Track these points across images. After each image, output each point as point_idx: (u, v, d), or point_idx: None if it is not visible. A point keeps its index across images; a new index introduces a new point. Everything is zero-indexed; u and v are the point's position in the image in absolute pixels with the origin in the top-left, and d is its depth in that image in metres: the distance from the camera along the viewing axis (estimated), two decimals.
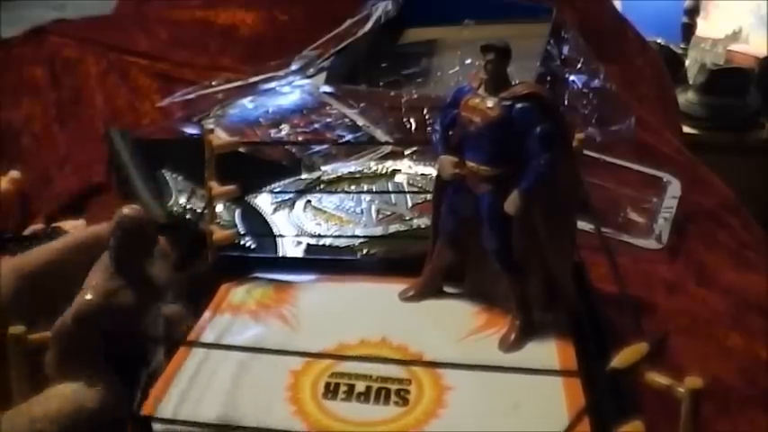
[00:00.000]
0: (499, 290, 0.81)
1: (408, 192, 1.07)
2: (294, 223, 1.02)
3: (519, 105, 0.74)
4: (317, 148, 1.18)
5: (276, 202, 1.05)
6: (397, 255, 0.95)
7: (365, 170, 1.12)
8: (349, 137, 1.23)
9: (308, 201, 1.06)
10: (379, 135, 1.24)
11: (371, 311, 0.83)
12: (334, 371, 0.73)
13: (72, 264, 0.65)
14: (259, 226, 1.02)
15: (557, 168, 0.75)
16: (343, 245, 0.98)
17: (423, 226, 0.99)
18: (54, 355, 0.55)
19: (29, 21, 1.54)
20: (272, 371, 0.73)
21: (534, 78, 1.29)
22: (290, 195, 1.06)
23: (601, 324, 0.78)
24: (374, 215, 1.03)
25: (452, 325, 0.81)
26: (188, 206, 1.03)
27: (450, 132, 0.80)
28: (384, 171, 1.11)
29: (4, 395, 0.58)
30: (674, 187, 1.13)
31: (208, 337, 0.79)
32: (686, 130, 1.86)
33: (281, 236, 0.99)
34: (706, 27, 2.27)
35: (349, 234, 0.99)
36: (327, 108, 1.31)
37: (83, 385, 0.55)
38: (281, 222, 1.02)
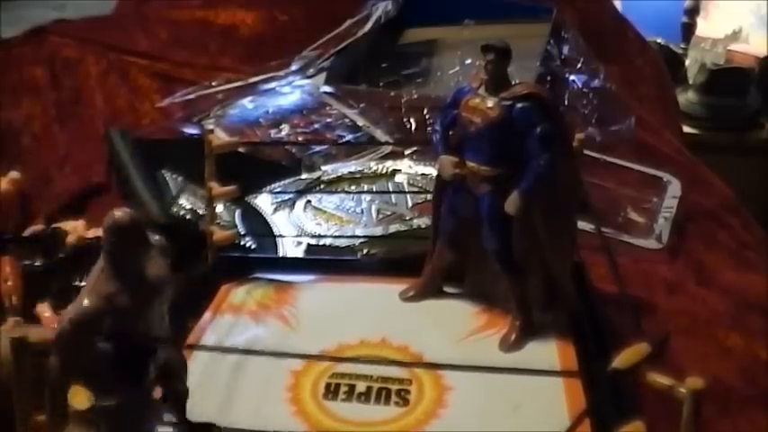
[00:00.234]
0: (499, 290, 0.81)
1: (408, 192, 1.07)
2: (294, 223, 1.02)
3: (519, 105, 0.74)
4: (317, 148, 1.18)
5: (276, 203, 1.05)
6: (397, 255, 0.95)
7: (365, 170, 1.12)
8: (349, 137, 1.23)
9: (309, 201, 1.06)
10: (380, 135, 1.24)
11: (372, 312, 0.83)
12: (334, 371, 0.73)
13: None
14: (259, 226, 1.02)
15: (557, 168, 0.75)
16: (343, 245, 0.98)
17: (423, 226, 0.99)
18: (56, 361, 0.55)
19: (29, 21, 1.54)
20: (272, 371, 0.73)
21: (534, 78, 1.29)
22: (291, 195, 1.06)
23: (601, 324, 0.78)
24: (374, 215, 1.03)
25: (453, 325, 0.81)
26: (188, 206, 1.03)
27: (451, 132, 0.80)
28: (384, 171, 1.11)
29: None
30: (675, 187, 1.13)
31: (208, 337, 0.79)
32: (686, 130, 1.85)
33: (281, 236, 0.99)
34: (706, 27, 2.27)
35: (349, 234, 0.99)
36: (327, 108, 1.31)
37: None
38: (281, 223, 1.02)
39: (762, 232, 1.13)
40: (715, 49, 2.23)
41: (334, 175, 1.11)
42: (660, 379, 0.53)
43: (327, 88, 1.36)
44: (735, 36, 2.23)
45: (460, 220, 0.81)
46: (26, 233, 0.93)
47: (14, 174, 1.04)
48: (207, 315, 0.82)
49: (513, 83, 0.76)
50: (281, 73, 1.41)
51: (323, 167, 1.13)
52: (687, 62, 2.23)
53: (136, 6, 1.66)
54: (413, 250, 0.93)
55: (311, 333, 0.80)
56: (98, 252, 0.87)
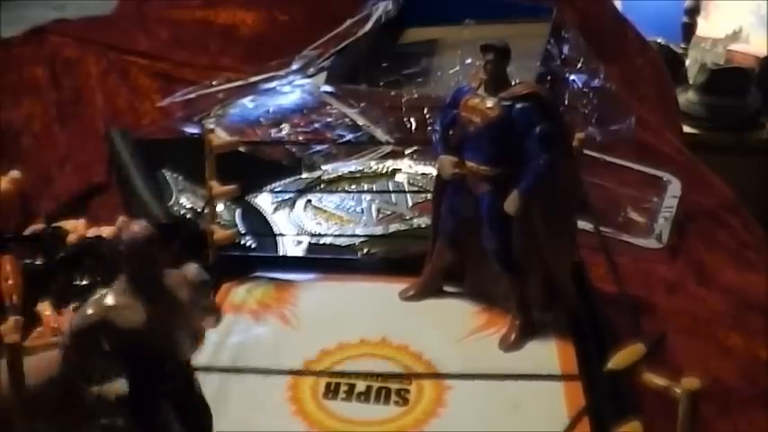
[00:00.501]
0: (499, 290, 0.81)
1: (408, 191, 1.07)
2: (295, 223, 1.02)
3: (518, 105, 0.74)
4: (318, 147, 1.18)
5: (277, 202, 1.05)
6: (397, 254, 0.95)
7: (365, 170, 1.12)
8: (349, 136, 1.23)
9: (309, 200, 1.06)
10: (380, 135, 1.24)
11: (372, 311, 0.83)
12: (334, 370, 0.73)
13: None
14: (260, 225, 1.02)
15: (556, 168, 0.75)
16: (343, 244, 0.98)
17: (423, 225, 0.99)
18: (60, 369, 0.55)
19: (29, 21, 1.54)
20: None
21: (534, 78, 1.29)
22: (291, 195, 1.06)
23: (600, 324, 0.78)
24: (374, 214, 1.03)
25: (452, 324, 0.81)
26: (188, 205, 1.03)
27: (450, 132, 0.80)
28: (384, 170, 1.11)
29: None
30: (675, 187, 1.13)
31: (209, 337, 0.79)
32: (686, 129, 1.85)
33: (281, 235, 0.99)
34: (706, 27, 2.27)
35: (349, 233, 0.99)
36: (328, 108, 1.31)
37: None
38: (281, 222, 1.02)
39: (762, 232, 1.13)
40: (715, 49, 2.23)
41: (335, 175, 1.11)
42: (656, 379, 0.53)
43: (328, 88, 1.36)
44: (735, 36, 2.23)
45: (460, 220, 0.81)
46: (27, 232, 0.93)
47: (15, 173, 1.04)
48: None
49: (512, 83, 0.76)
50: (282, 72, 1.41)
51: (323, 167, 1.13)
52: (687, 62, 2.23)
53: (136, 6, 1.66)
54: (413, 250, 0.93)
55: (311, 332, 0.80)
56: (98, 251, 0.87)
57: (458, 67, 1.41)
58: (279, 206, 1.05)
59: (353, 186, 1.09)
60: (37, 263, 0.87)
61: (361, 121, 1.27)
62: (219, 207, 0.98)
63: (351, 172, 1.11)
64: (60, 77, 1.39)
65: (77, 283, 0.85)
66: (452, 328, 0.80)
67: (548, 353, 0.76)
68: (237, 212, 1.03)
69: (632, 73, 1.52)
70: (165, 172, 1.10)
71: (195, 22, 1.57)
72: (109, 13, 1.67)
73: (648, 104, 1.46)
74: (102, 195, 1.14)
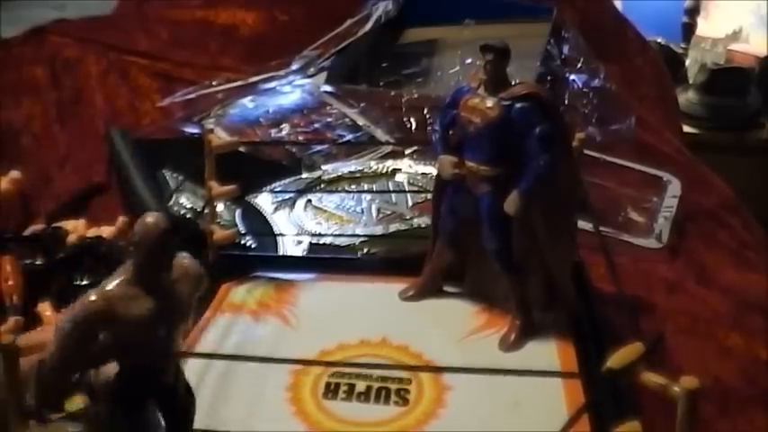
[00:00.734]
0: (499, 290, 0.81)
1: (408, 191, 1.07)
2: (295, 222, 1.02)
3: (518, 105, 0.74)
4: (318, 147, 1.18)
5: (277, 202, 1.05)
6: (397, 254, 0.95)
7: (365, 169, 1.12)
8: (349, 136, 1.23)
9: (309, 200, 1.06)
10: (380, 135, 1.24)
11: (372, 311, 0.83)
12: (334, 371, 0.73)
13: None
14: (260, 225, 1.02)
15: (556, 168, 0.75)
16: (343, 244, 0.98)
17: (423, 225, 0.99)
18: (52, 353, 0.55)
19: (29, 21, 1.54)
20: (272, 371, 0.73)
21: (534, 78, 1.29)
22: (291, 195, 1.06)
23: (600, 324, 0.78)
24: (374, 214, 1.03)
25: (452, 325, 0.81)
26: (188, 205, 1.03)
27: (450, 132, 0.80)
28: (384, 170, 1.11)
29: None
30: (675, 187, 1.13)
31: (209, 337, 0.79)
32: (686, 129, 1.85)
33: (281, 235, 0.99)
34: (706, 27, 2.27)
35: (349, 233, 0.99)
36: (328, 108, 1.31)
37: None
38: (281, 222, 1.02)
39: (762, 232, 1.13)
40: (715, 49, 2.23)
41: (335, 175, 1.11)
42: (655, 378, 0.53)
43: (328, 88, 1.36)
44: (735, 36, 2.23)
45: (460, 220, 0.81)
46: (27, 232, 0.93)
47: (15, 173, 1.04)
48: (207, 314, 0.82)
49: (512, 83, 0.76)
50: (282, 72, 1.41)
51: (323, 167, 1.13)
52: (687, 62, 2.23)
53: (136, 6, 1.66)
54: (413, 250, 0.94)
55: (311, 332, 0.80)
56: (98, 251, 0.87)
57: (458, 67, 1.41)
58: (279, 206, 1.05)
59: (353, 186, 1.09)
60: (37, 263, 0.87)
61: (361, 121, 1.27)
62: (219, 207, 0.98)
63: (351, 172, 1.11)
64: (60, 77, 1.39)
65: (77, 283, 0.85)
66: (452, 329, 0.80)
67: (548, 353, 0.76)
68: (237, 212, 1.03)
69: (632, 73, 1.52)
70: (164, 172, 1.10)
71: (195, 22, 1.57)
72: (109, 13, 1.67)
73: (648, 104, 1.46)
74: (102, 195, 1.14)
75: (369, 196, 1.06)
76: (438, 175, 0.81)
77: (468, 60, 1.40)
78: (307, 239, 0.99)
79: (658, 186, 1.13)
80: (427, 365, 0.75)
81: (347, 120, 1.28)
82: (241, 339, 0.79)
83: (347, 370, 0.73)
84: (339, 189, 1.08)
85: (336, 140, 1.22)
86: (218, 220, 0.96)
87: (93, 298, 0.54)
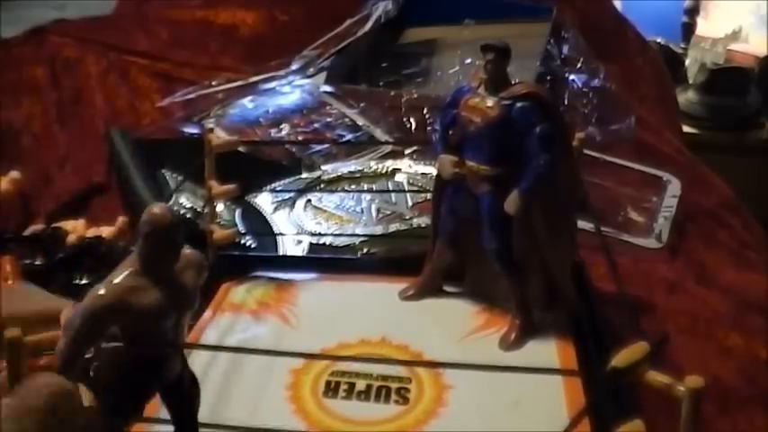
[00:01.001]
0: (499, 289, 0.81)
1: (408, 191, 1.07)
2: (294, 222, 1.02)
3: (518, 105, 0.74)
4: (318, 147, 1.18)
5: (276, 202, 1.05)
6: (397, 254, 0.95)
7: (365, 169, 1.12)
8: (349, 136, 1.23)
9: (309, 200, 1.06)
10: (379, 134, 1.24)
11: (371, 310, 0.83)
12: (334, 369, 0.73)
13: None
14: (259, 225, 1.02)
15: (556, 168, 0.75)
16: (343, 244, 0.98)
17: (423, 225, 0.99)
18: (62, 350, 0.55)
19: (29, 21, 1.54)
20: (271, 369, 0.73)
21: (534, 78, 1.29)
22: (291, 195, 1.06)
23: (600, 324, 0.78)
24: (374, 214, 1.03)
25: (452, 324, 0.81)
26: (188, 205, 1.03)
27: (450, 132, 0.80)
28: (384, 170, 1.11)
29: None
30: (674, 186, 1.13)
31: (208, 336, 0.79)
32: (686, 129, 1.85)
33: (281, 234, 0.99)
34: (706, 27, 2.27)
35: (349, 233, 0.99)
36: (327, 108, 1.31)
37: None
38: (281, 222, 1.02)
39: (762, 232, 1.13)
40: (715, 49, 2.23)
41: (335, 175, 1.11)
42: (659, 378, 0.53)
43: (327, 88, 1.36)
44: (735, 36, 2.23)
45: (460, 220, 0.81)
46: (27, 233, 0.93)
47: (15, 174, 1.04)
48: (207, 313, 0.82)
49: (512, 82, 0.76)
50: (282, 72, 1.41)
51: (323, 167, 1.13)
52: (687, 62, 2.23)
53: (136, 6, 1.66)
54: (413, 249, 0.94)
55: (311, 332, 0.80)
56: (98, 251, 0.87)
57: (457, 67, 1.41)
58: (279, 206, 1.05)
59: (353, 186, 1.09)
60: (37, 263, 0.87)
61: (360, 121, 1.27)
62: (219, 207, 0.98)
63: (351, 172, 1.11)
64: (60, 77, 1.39)
65: (77, 282, 0.85)
66: (452, 328, 0.80)
67: (548, 352, 0.76)
68: (237, 212, 1.03)
69: (632, 73, 1.52)
70: (164, 172, 1.10)
71: (195, 22, 1.57)
72: (109, 13, 1.67)
73: (648, 104, 1.46)
74: (102, 195, 1.14)
75: (368, 196, 1.06)
76: (438, 175, 0.81)
77: (468, 60, 1.40)
78: (307, 239, 0.99)
79: (658, 186, 1.13)
80: (429, 361, 0.75)
81: (347, 120, 1.28)
82: (241, 338, 0.79)
83: (347, 369, 0.73)
84: (339, 189, 1.08)
85: (336, 140, 1.22)
86: (218, 220, 0.96)
87: (102, 291, 0.54)
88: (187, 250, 0.59)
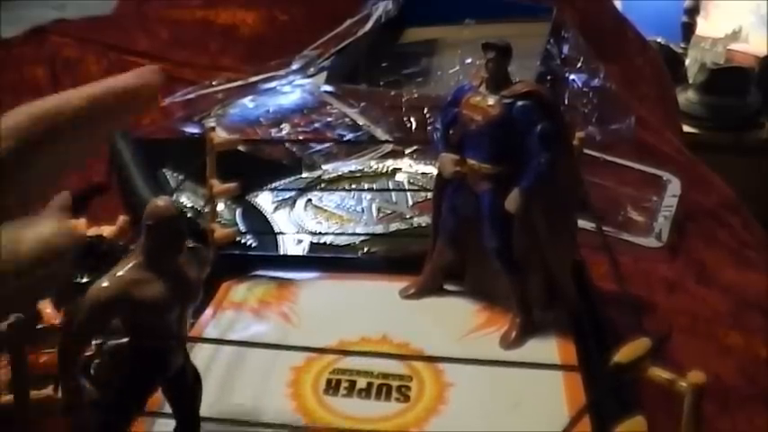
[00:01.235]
0: (500, 288, 0.81)
1: (409, 190, 1.07)
2: (295, 222, 1.02)
3: (519, 103, 0.75)
4: (318, 147, 1.18)
5: (277, 201, 1.05)
6: (397, 253, 0.95)
7: (366, 169, 1.12)
8: (349, 136, 1.23)
9: (309, 199, 1.06)
10: (380, 134, 1.24)
11: (372, 309, 0.83)
12: (335, 367, 0.73)
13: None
14: (260, 224, 1.02)
15: (557, 167, 0.75)
16: (343, 243, 0.98)
17: (423, 224, 0.99)
18: (66, 340, 0.54)
19: (29, 21, 1.54)
20: (272, 367, 0.74)
21: (534, 77, 1.29)
22: (291, 194, 1.06)
23: (601, 323, 0.78)
24: (375, 214, 1.03)
25: (453, 323, 0.81)
26: (189, 204, 1.03)
27: (451, 131, 0.80)
28: (385, 170, 1.12)
29: None
30: (675, 186, 1.13)
31: (210, 333, 0.80)
32: (686, 129, 1.86)
33: (281, 234, 0.99)
34: (706, 26, 2.27)
35: (350, 232, 1.00)
36: (328, 107, 1.31)
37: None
38: (281, 221, 1.02)
39: (762, 232, 1.13)
40: (715, 49, 2.23)
41: (335, 174, 1.11)
42: (662, 374, 0.53)
43: (328, 87, 1.37)
44: (735, 36, 2.24)
45: (461, 219, 0.81)
46: None
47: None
48: (208, 312, 0.83)
49: (513, 81, 0.76)
50: (282, 72, 1.41)
51: (323, 166, 1.13)
52: (687, 62, 2.23)
53: (136, 6, 1.66)
54: (413, 248, 0.94)
55: (312, 330, 0.80)
56: (98, 251, 0.87)
57: (458, 67, 1.42)
58: (279, 205, 1.05)
59: (354, 186, 1.09)
60: None
61: (361, 121, 1.27)
62: (220, 206, 0.98)
63: (351, 171, 1.12)
64: (60, 77, 1.40)
65: (78, 281, 0.85)
66: (453, 327, 0.80)
67: (548, 351, 0.76)
68: (238, 211, 1.03)
69: (632, 73, 1.53)
70: (165, 171, 1.10)
71: (195, 22, 1.57)
72: (109, 13, 1.68)
73: (648, 104, 1.46)
74: (102, 195, 1.14)
75: (369, 195, 1.06)
76: (439, 174, 0.82)
77: (468, 60, 1.40)
78: (307, 238, 0.99)
79: (658, 186, 1.14)
80: (430, 357, 0.75)
81: (347, 119, 1.28)
82: (242, 336, 0.79)
83: (348, 367, 0.73)
84: (339, 188, 1.09)
85: (337, 140, 1.22)
86: (219, 219, 0.96)
87: (105, 284, 0.54)
88: (190, 243, 0.59)
